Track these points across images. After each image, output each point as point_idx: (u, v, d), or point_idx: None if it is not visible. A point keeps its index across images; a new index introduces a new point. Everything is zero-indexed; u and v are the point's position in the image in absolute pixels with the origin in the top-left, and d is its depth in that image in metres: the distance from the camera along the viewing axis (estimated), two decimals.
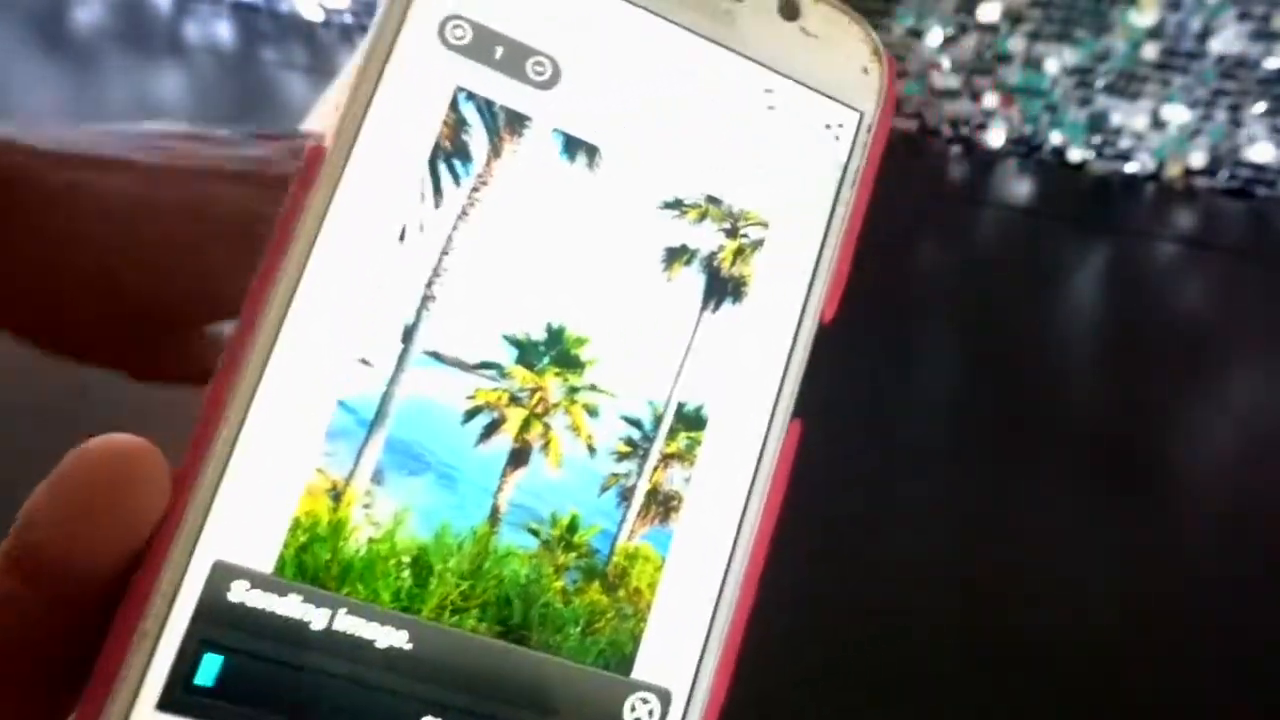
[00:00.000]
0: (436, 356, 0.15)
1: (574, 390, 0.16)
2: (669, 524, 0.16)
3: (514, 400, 0.15)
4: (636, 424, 0.16)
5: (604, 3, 0.16)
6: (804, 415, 0.18)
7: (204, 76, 0.68)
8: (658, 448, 0.16)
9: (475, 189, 0.15)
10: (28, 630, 0.14)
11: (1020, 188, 0.67)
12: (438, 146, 0.15)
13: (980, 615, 0.45)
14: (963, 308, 0.58)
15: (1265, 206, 0.67)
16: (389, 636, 0.15)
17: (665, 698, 0.16)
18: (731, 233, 0.17)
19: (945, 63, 0.68)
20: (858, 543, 0.47)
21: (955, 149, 0.69)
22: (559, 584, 0.15)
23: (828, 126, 0.17)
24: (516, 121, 0.16)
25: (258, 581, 0.14)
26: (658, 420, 0.16)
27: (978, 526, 0.48)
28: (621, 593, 0.16)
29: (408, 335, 0.15)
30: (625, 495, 0.16)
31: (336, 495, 0.14)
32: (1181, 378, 0.55)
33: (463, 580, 0.15)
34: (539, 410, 0.16)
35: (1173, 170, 0.69)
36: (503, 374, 0.15)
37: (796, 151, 0.17)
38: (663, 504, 0.16)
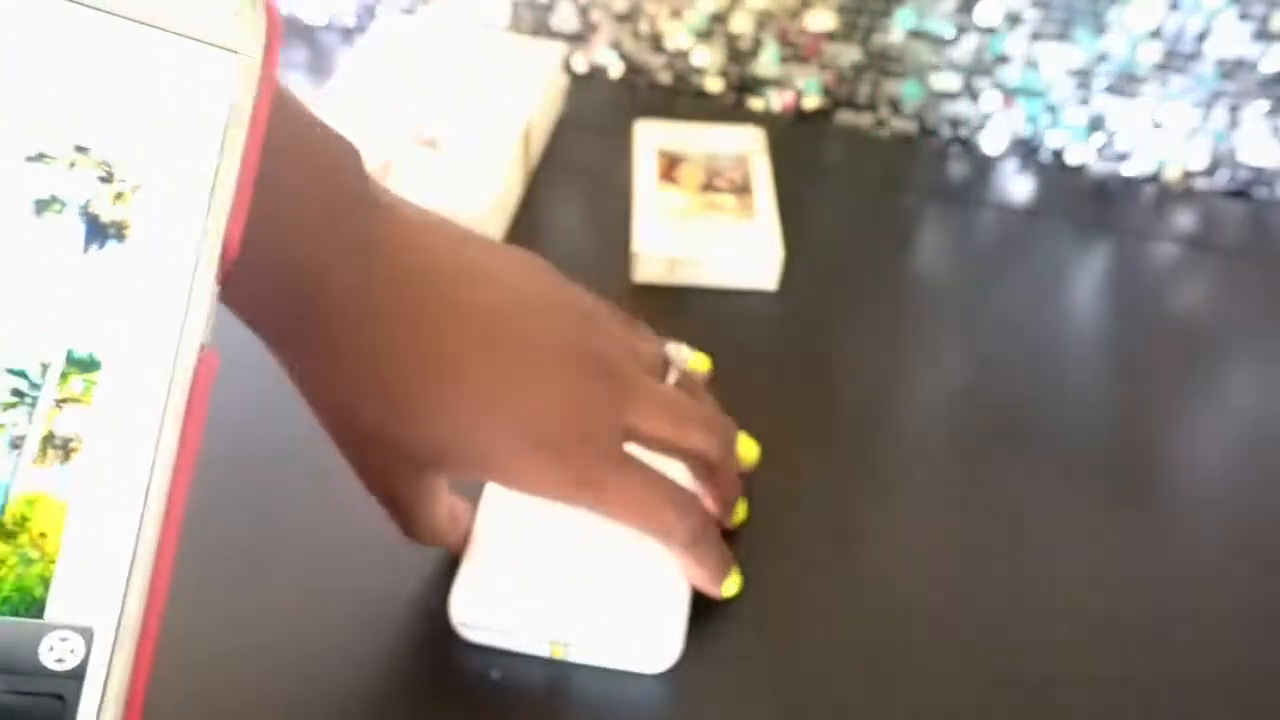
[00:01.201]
0: None
1: None
2: (69, 466, 0.16)
3: None
4: (22, 374, 0.16)
5: None
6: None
7: None
8: (48, 394, 0.16)
9: None
10: None
11: (1020, 188, 0.67)
12: None
13: (979, 615, 0.45)
14: (962, 308, 0.58)
15: (1265, 208, 0.67)
16: None
17: (88, 635, 0.16)
18: (107, 179, 0.17)
19: (944, 64, 0.68)
20: (851, 547, 0.47)
21: (954, 150, 0.69)
22: None
23: (201, 70, 0.18)
24: None
25: None
26: (45, 367, 0.16)
27: (976, 526, 0.48)
28: (24, 538, 0.16)
29: None
30: (15, 444, 0.16)
31: None
32: (1182, 379, 0.55)
33: None
34: None
35: (1172, 172, 0.69)
36: None
37: (170, 97, 0.18)
38: (60, 447, 0.16)
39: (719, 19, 0.70)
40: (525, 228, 0.60)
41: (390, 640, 0.42)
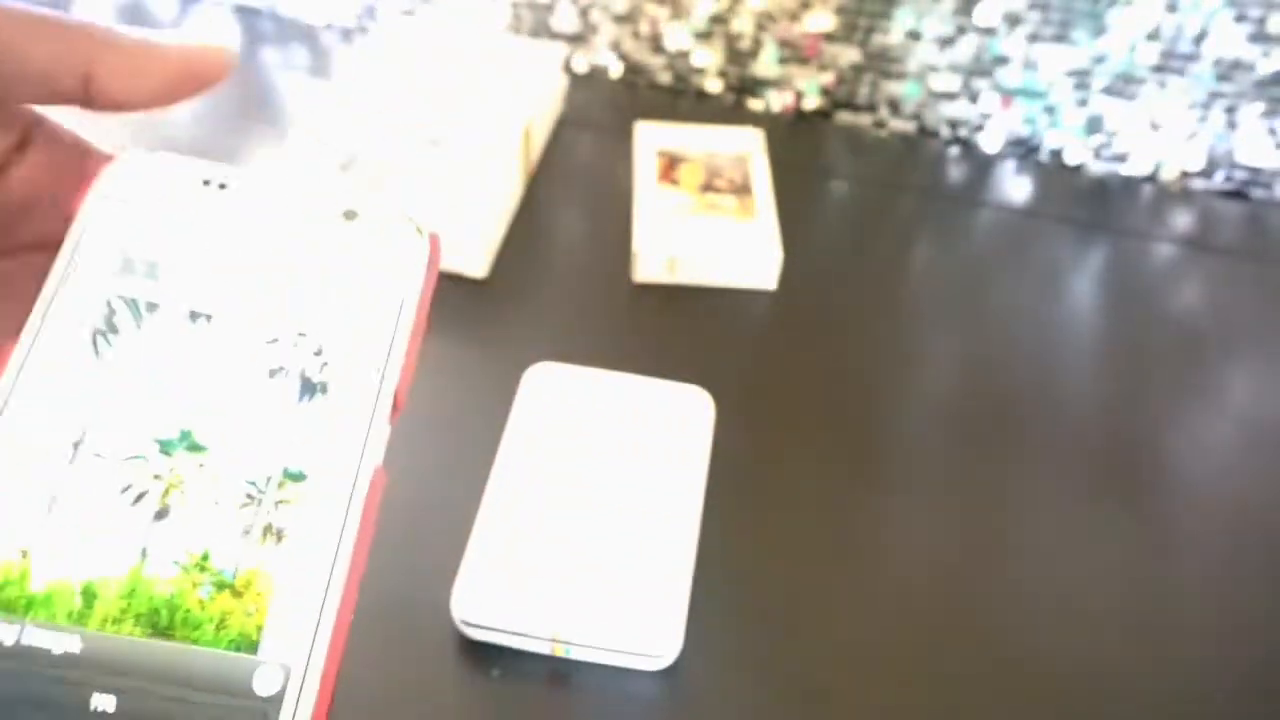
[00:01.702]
0: (98, 455, 0.23)
1: (201, 466, 0.24)
2: (280, 547, 0.23)
3: (156, 477, 0.23)
4: (254, 484, 0.24)
5: (204, 208, 0.26)
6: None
7: None
8: (270, 497, 0.23)
9: (123, 347, 0.24)
10: None
11: (1018, 189, 0.67)
12: (94, 332, 0.24)
13: (978, 613, 0.45)
14: (960, 308, 0.58)
15: (1261, 208, 0.67)
16: (64, 643, 0.21)
17: (285, 670, 0.22)
18: (318, 353, 0.25)
19: (943, 64, 0.69)
20: (851, 545, 0.47)
21: (953, 150, 0.70)
22: (196, 596, 0.22)
23: (388, 265, 0.26)
24: (151, 307, 0.25)
25: None
26: (269, 479, 0.24)
27: (975, 526, 0.48)
28: (247, 598, 0.22)
29: (77, 445, 0.23)
30: (247, 531, 0.23)
31: (23, 554, 0.22)
32: (1179, 379, 0.56)
33: (121, 599, 0.22)
34: (175, 482, 0.23)
35: (1169, 172, 0.70)
36: (147, 461, 0.23)
37: (363, 287, 0.26)
38: (275, 535, 0.23)
39: (719, 20, 0.70)
40: (525, 228, 0.61)
41: (392, 638, 0.42)
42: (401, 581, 0.44)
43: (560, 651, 0.41)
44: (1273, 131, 0.67)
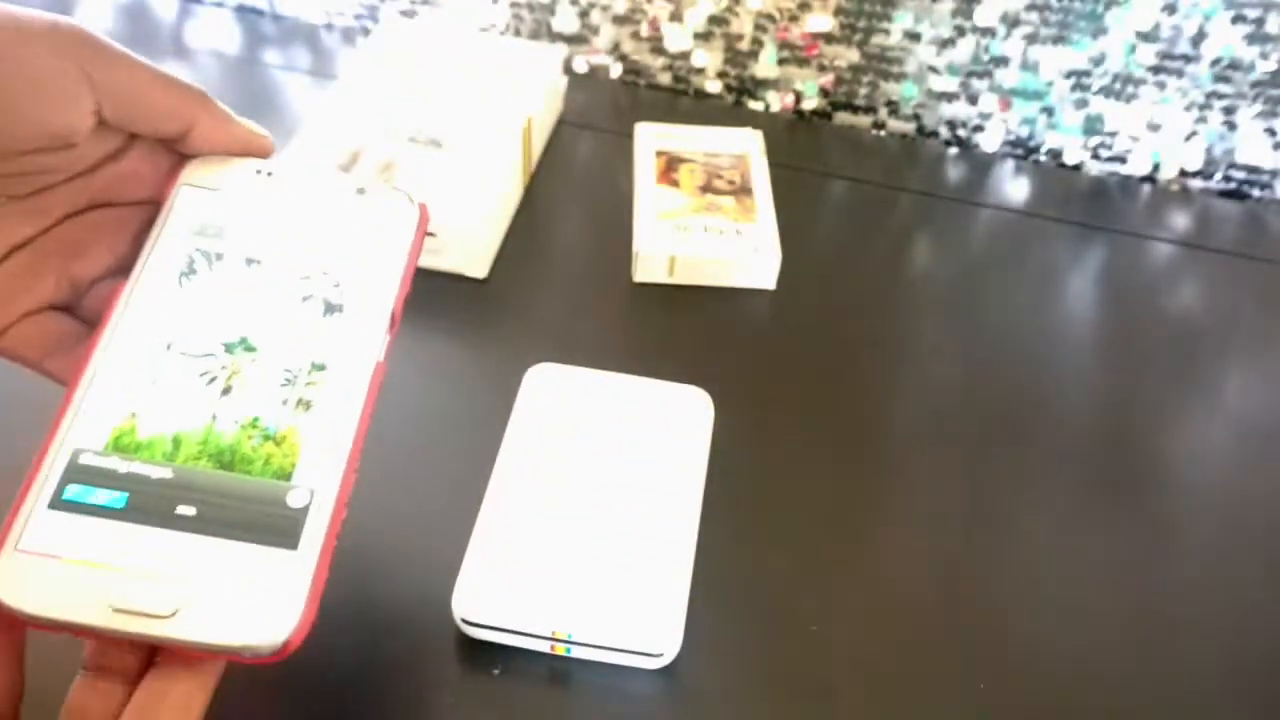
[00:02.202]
0: (184, 353, 0.35)
1: (254, 360, 0.35)
2: (307, 415, 0.34)
3: (223, 368, 0.34)
4: (290, 371, 0.35)
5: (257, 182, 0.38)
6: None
7: (207, 78, 0.68)
8: (300, 380, 0.34)
9: (203, 278, 0.36)
10: None
11: (1017, 189, 0.67)
12: (182, 272, 0.36)
13: (976, 614, 0.45)
14: (959, 308, 0.58)
15: (1260, 208, 0.68)
16: (159, 472, 0.32)
17: (310, 491, 0.32)
18: (337, 285, 0.36)
19: (942, 65, 0.69)
20: (850, 544, 0.48)
21: (952, 151, 0.70)
22: (249, 444, 0.33)
23: (392, 223, 0.38)
24: (218, 256, 0.37)
25: (94, 453, 0.32)
26: (301, 369, 0.35)
27: (974, 527, 0.48)
28: (284, 447, 0.33)
29: (169, 346, 0.35)
30: (285, 402, 0.34)
31: (134, 415, 0.33)
32: (1178, 378, 0.56)
33: (198, 445, 0.33)
34: (235, 370, 0.34)
35: (1167, 172, 0.70)
36: (214, 357, 0.35)
37: (370, 244, 0.37)
38: (305, 405, 0.34)
39: (718, 20, 0.70)
40: (525, 228, 0.61)
41: (393, 636, 0.42)
42: (403, 581, 0.44)
43: (561, 650, 0.42)
44: (1271, 132, 0.67)
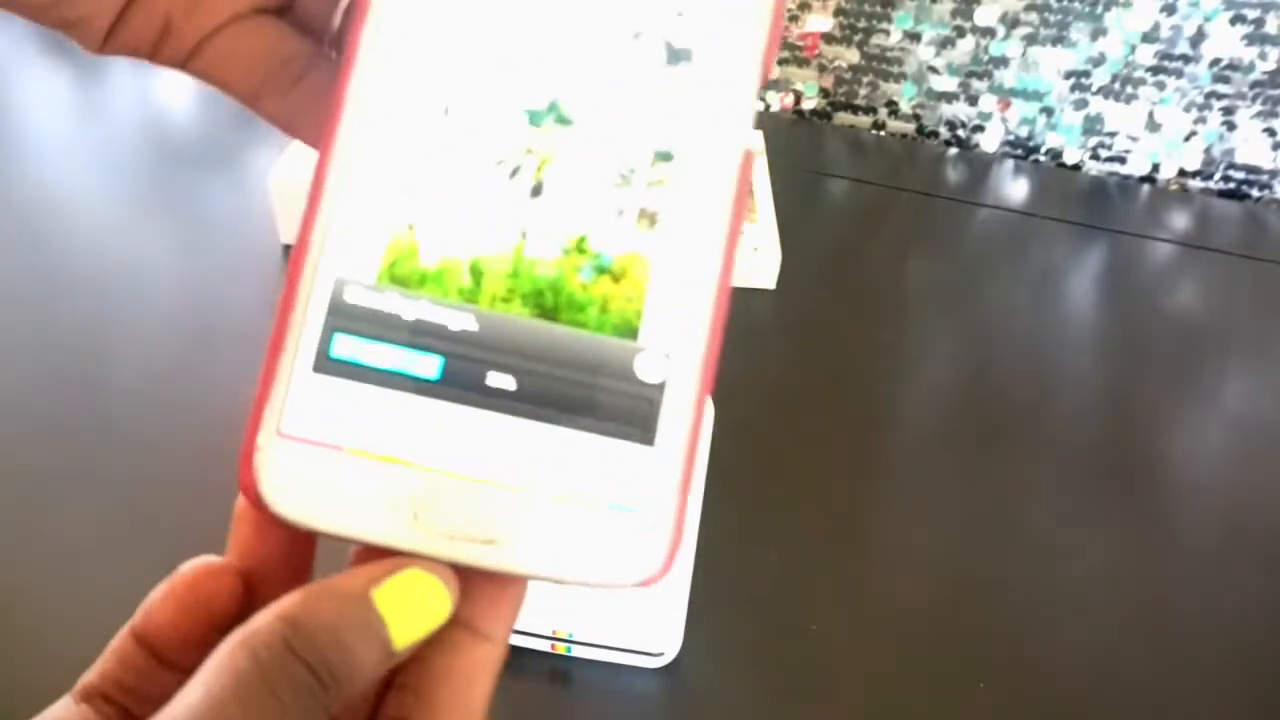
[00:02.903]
0: (469, 127, 0.22)
1: (571, 141, 0.22)
2: (655, 232, 0.22)
3: (529, 151, 0.22)
4: (623, 162, 0.23)
5: None
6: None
7: None
8: (640, 179, 0.23)
9: (498, 11, 0.23)
10: (135, 679, 0.21)
11: (1016, 189, 0.67)
12: None
13: (976, 614, 0.45)
14: (958, 308, 0.58)
15: (1259, 208, 0.68)
16: (459, 320, 0.22)
17: (665, 356, 0.22)
18: (681, 14, 0.23)
19: (942, 65, 0.69)
20: (850, 541, 0.48)
21: (952, 151, 0.70)
22: (578, 280, 0.22)
23: None
24: None
25: (365, 287, 0.21)
26: (639, 158, 0.23)
27: (974, 527, 0.48)
28: (624, 283, 0.22)
29: (447, 112, 0.22)
30: (620, 213, 0.22)
31: (411, 228, 0.22)
32: (1177, 378, 0.56)
33: (507, 279, 0.22)
34: (547, 157, 0.22)
35: (1167, 172, 0.70)
36: (518, 134, 0.22)
37: None
38: (649, 218, 0.22)
39: None
40: None
41: None
42: None
43: (561, 649, 0.42)
44: (1270, 131, 0.67)
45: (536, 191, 0.22)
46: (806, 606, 0.45)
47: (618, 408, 0.22)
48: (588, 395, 0.22)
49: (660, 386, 0.22)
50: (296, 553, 0.23)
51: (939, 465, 0.50)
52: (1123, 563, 0.47)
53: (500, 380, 0.21)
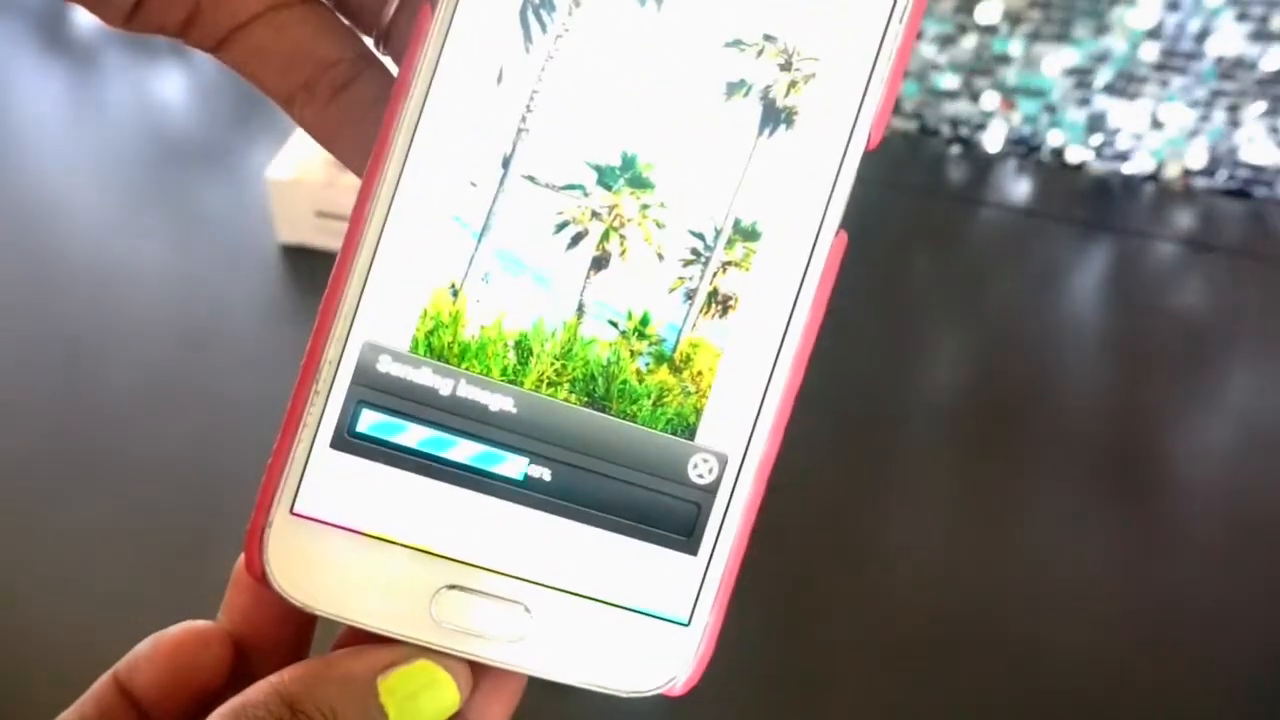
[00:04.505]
0: (531, 179, 0.19)
1: (645, 207, 0.19)
2: (727, 319, 0.20)
3: (595, 215, 0.19)
4: (699, 236, 0.20)
5: None
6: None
7: (205, 77, 0.68)
8: (718, 256, 0.20)
9: (559, 35, 0.19)
10: None
11: (1019, 188, 0.67)
12: (526, 2, 0.19)
13: (975, 614, 0.45)
14: (961, 308, 0.58)
15: (1264, 207, 0.67)
16: (499, 402, 0.19)
17: (722, 460, 0.20)
18: (786, 67, 0.19)
19: (944, 63, 0.68)
20: (851, 543, 0.47)
21: (954, 149, 0.70)
22: (634, 366, 0.20)
23: None
24: None
25: (397, 356, 0.19)
26: (718, 232, 0.20)
27: (975, 527, 0.48)
28: (686, 374, 0.20)
29: (506, 162, 0.19)
30: (689, 295, 0.20)
31: (454, 292, 0.19)
32: (1181, 378, 0.55)
33: (556, 360, 0.20)
34: (615, 224, 0.20)
35: (1171, 171, 0.70)
36: (585, 194, 0.19)
37: None
38: (722, 303, 0.20)
39: None
40: None
41: None
42: None
43: None
44: (1275, 130, 0.67)
45: (600, 264, 0.20)
46: (807, 606, 0.44)
47: (663, 510, 0.20)
48: (632, 495, 0.20)
49: (711, 490, 0.20)
50: (295, 623, 0.21)
51: (942, 465, 0.50)
52: (1125, 562, 0.47)
53: (539, 471, 0.20)
